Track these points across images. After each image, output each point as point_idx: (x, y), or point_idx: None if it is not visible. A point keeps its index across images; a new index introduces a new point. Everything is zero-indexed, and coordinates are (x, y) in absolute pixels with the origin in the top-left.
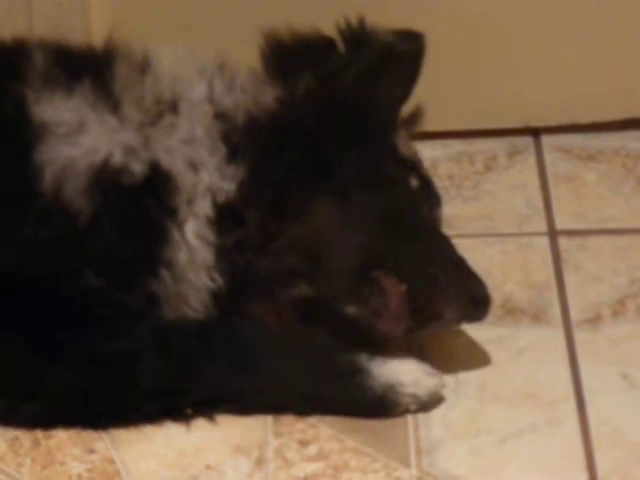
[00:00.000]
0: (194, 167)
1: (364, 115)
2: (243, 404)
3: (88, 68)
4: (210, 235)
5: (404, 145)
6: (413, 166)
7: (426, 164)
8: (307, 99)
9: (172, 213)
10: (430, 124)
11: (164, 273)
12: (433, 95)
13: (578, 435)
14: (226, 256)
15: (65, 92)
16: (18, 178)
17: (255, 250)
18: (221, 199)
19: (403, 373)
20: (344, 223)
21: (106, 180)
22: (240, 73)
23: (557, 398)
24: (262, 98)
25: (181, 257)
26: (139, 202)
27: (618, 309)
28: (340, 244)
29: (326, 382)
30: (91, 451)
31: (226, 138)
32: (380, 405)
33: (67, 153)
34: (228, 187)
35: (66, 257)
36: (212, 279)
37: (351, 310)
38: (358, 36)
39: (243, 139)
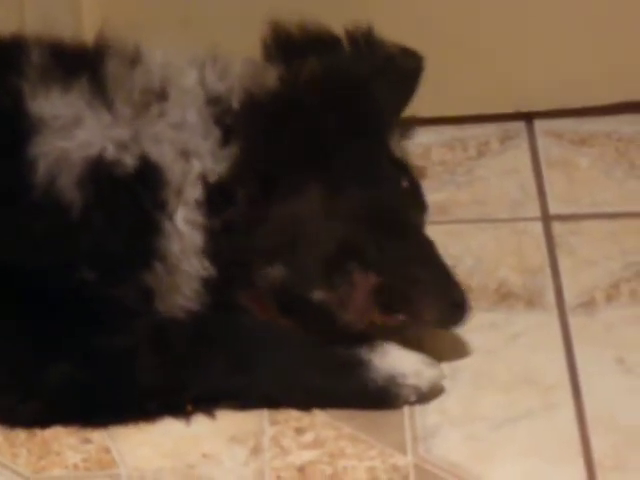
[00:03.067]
0: (185, 155)
1: (364, 111)
2: (243, 399)
3: (83, 65)
4: (199, 218)
5: (397, 148)
6: (405, 169)
7: (419, 150)
8: (311, 82)
9: (162, 205)
10: (422, 110)
11: (158, 265)
12: (425, 81)
13: (573, 420)
14: (214, 238)
15: (61, 88)
16: (12, 171)
17: (239, 232)
18: (213, 179)
19: (404, 364)
20: (330, 212)
21: (99, 172)
22: (234, 63)
23: (552, 383)
24: (263, 79)
25: (174, 247)
26: (130, 194)
27: (612, 293)
28: (321, 231)
29: (326, 375)
30: (87, 441)
31: (220, 121)
32: (381, 397)
33: (61, 146)
34: (220, 168)
35: (59, 250)
36: (203, 266)
37: (318, 296)
38: (365, 40)
39: (239, 120)
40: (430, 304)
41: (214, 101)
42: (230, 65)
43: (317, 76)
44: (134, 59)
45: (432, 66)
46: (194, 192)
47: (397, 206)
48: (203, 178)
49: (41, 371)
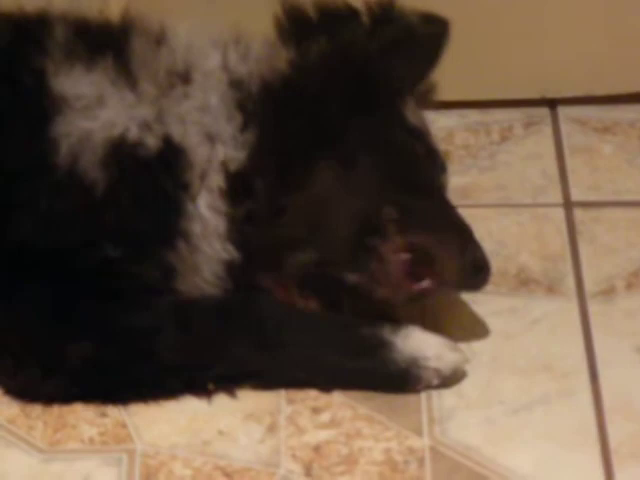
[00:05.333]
0: (210, 138)
1: (375, 85)
2: (265, 379)
3: (108, 43)
4: (222, 206)
5: (413, 115)
6: (420, 135)
7: (442, 134)
8: (319, 63)
9: (185, 187)
10: (447, 94)
11: (180, 244)
12: (450, 65)
13: (591, 407)
14: (238, 226)
15: (85, 66)
16: (35, 150)
17: (263, 222)
18: (233, 168)
19: (427, 347)
20: (345, 190)
21: (123, 153)
22: (255, 43)
23: (570, 370)
24: (276, 63)
25: (195, 228)
26: (153, 175)
27: (632, 281)
28: (338, 211)
29: (349, 356)
30: (103, 415)
31: (241, 106)
32: (403, 379)
33: (84, 126)
34: (240, 155)
35: (82, 229)
36: (225, 249)
37: (352, 278)
38: (384, 12)
39: (257, 106)
40: (451, 264)
41: (236, 85)
42: (251, 46)
43: (325, 56)
44: (159, 38)
45: (457, 50)
46: (218, 179)
47: (411, 172)
48: (225, 165)
49: (63, 348)
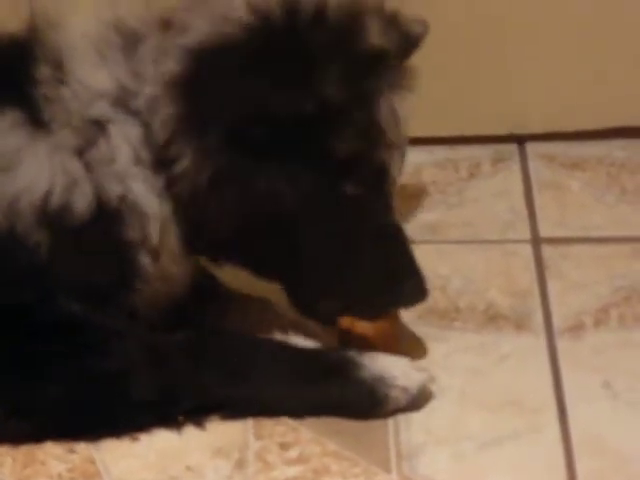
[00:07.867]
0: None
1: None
2: (236, 409)
3: (10, 81)
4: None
5: (348, 140)
6: (348, 169)
7: (410, 170)
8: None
9: (133, 242)
10: (415, 130)
11: (140, 285)
12: (418, 101)
13: (559, 443)
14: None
15: None
16: None
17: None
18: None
19: (393, 367)
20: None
21: (50, 219)
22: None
23: (539, 406)
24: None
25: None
26: (94, 233)
27: (601, 317)
28: None
29: (318, 380)
30: (72, 451)
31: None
32: (371, 399)
33: (11, 190)
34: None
35: (34, 287)
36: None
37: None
38: None
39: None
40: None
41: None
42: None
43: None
44: (59, 66)
45: (426, 86)
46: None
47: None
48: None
49: (33, 390)
